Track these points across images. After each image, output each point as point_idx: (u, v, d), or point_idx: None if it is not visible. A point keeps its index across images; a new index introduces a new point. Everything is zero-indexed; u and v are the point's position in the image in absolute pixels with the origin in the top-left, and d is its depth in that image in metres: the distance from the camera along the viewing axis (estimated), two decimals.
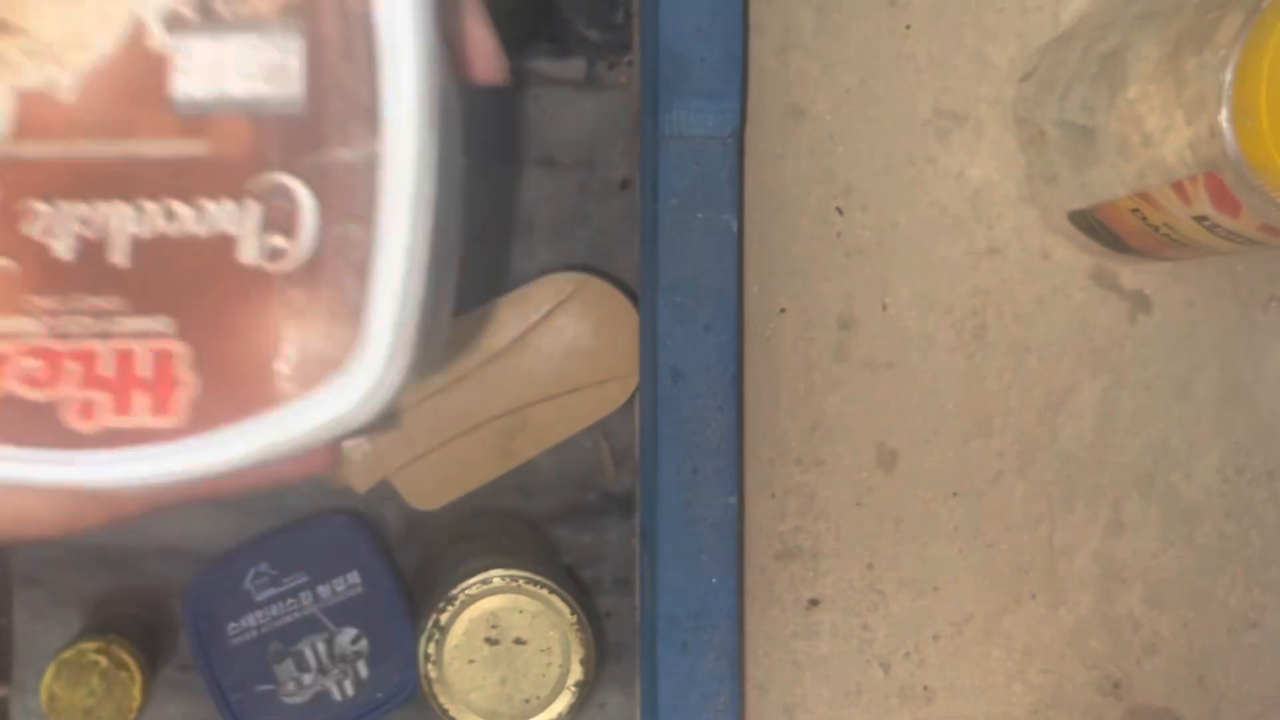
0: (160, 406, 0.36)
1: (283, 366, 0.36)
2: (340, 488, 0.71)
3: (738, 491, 0.64)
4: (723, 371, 0.64)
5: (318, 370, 0.36)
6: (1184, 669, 0.72)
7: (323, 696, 0.68)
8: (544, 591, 0.66)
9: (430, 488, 0.72)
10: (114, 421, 0.36)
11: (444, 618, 0.66)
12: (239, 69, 0.37)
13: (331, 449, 0.39)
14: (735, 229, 0.64)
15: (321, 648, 0.68)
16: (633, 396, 0.71)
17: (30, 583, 0.72)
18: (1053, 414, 0.71)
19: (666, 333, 0.64)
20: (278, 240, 0.36)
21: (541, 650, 0.67)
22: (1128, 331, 0.71)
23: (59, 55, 0.36)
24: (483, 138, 0.73)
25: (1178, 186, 0.58)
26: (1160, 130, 0.58)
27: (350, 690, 0.68)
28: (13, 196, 0.36)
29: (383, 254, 0.36)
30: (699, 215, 0.64)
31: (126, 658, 0.65)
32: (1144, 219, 0.62)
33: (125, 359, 0.36)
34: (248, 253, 0.36)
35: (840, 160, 0.70)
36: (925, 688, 0.71)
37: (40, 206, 0.36)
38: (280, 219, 0.37)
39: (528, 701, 0.67)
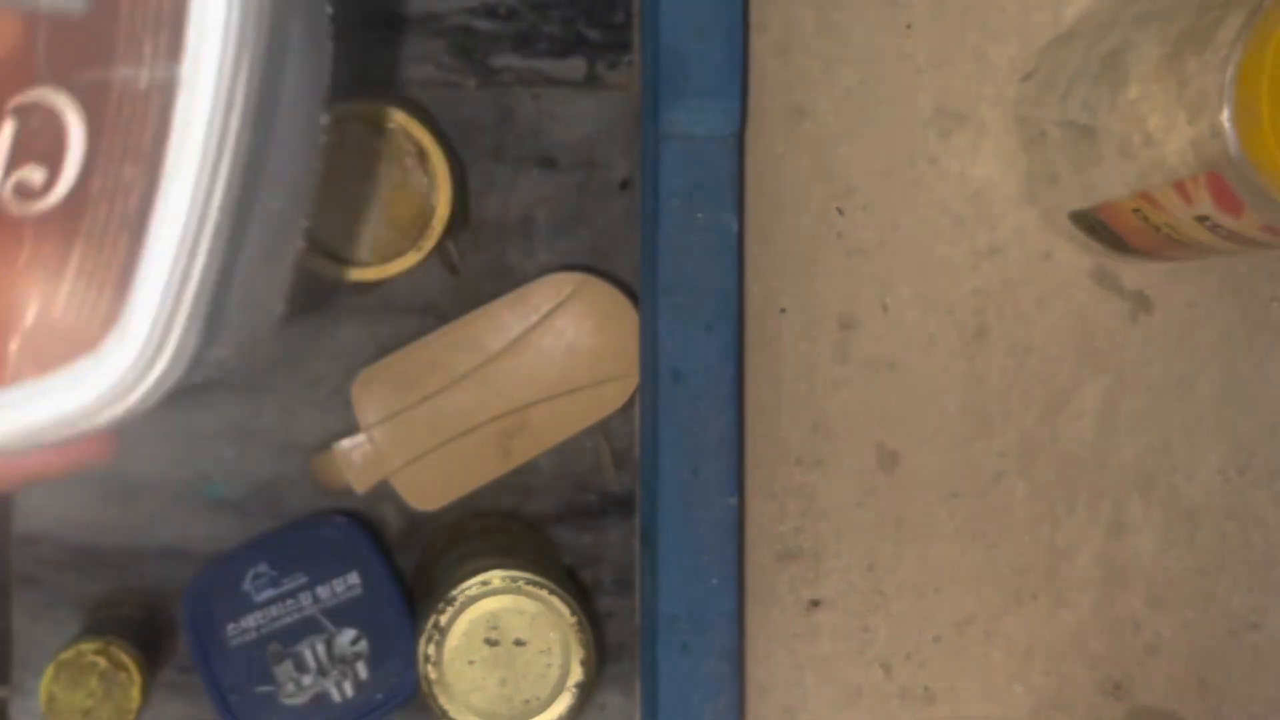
0: None
1: (15, 339, 0.29)
2: (340, 488, 0.71)
3: (738, 492, 0.64)
4: (723, 372, 0.64)
5: (62, 347, 0.29)
6: (1185, 670, 0.72)
7: (322, 698, 0.68)
8: (544, 592, 0.66)
9: (430, 488, 0.71)
10: None
11: (444, 619, 0.66)
12: None
13: (103, 438, 0.31)
14: (736, 229, 0.64)
15: (321, 649, 0.68)
16: (633, 397, 0.71)
17: (29, 584, 0.72)
18: (1054, 414, 0.71)
19: (667, 333, 0.64)
20: (32, 173, 0.29)
21: (541, 651, 0.67)
22: (1129, 332, 0.71)
23: None
24: (482, 138, 0.73)
25: (1179, 186, 0.58)
26: (1162, 130, 0.58)
27: (350, 691, 0.68)
28: None
29: (164, 206, 0.29)
30: (699, 215, 0.64)
31: (125, 659, 0.65)
32: (1145, 219, 0.62)
33: None
34: None
35: (841, 160, 0.70)
36: (926, 689, 0.71)
37: None
38: (39, 146, 0.29)
39: (528, 703, 0.67)
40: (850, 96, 0.70)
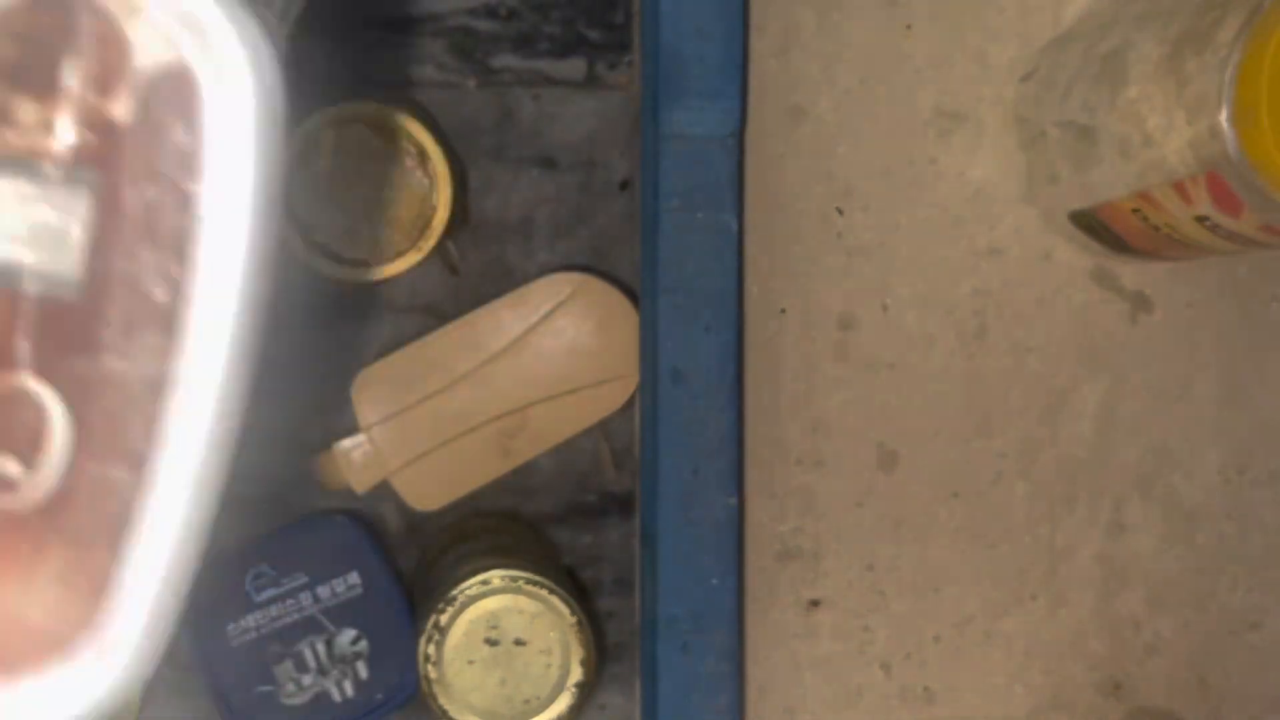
0: None
1: None
2: (340, 488, 0.71)
3: (738, 492, 0.64)
4: (723, 372, 0.64)
5: (32, 649, 0.26)
6: (1185, 670, 0.72)
7: (322, 697, 0.68)
8: (544, 592, 0.66)
9: (430, 488, 0.71)
10: None
11: (444, 618, 0.66)
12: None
13: None
14: (735, 229, 0.64)
15: (321, 649, 0.68)
16: (633, 397, 0.71)
17: None
18: (1053, 415, 0.71)
19: (667, 333, 0.64)
20: (10, 466, 0.26)
21: (541, 651, 0.67)
22: (1129, 332, 0.71)
23: None
24: (482, 138, 0.73)
25: (1179, 186, 0.58)
26: (1161, 130, 0.58)
27: (350, 691, 0.68)
28: None
29: (152, 512, 0.27)
30: (699, 215, 0.64)
31: None
32: (1145, 219, 0.62)
33: None
34: None
35: (841, 160, 0.70)
36: (926, 689, 0.71)
37: None
38: (17, 438, 0.26)
39: (527, 702, 0.67)
40: (850, 97, 0.70)
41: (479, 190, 0.73)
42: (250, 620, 0.68)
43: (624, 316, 0.71)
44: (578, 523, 0.74)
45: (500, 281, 0.73)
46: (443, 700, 0.66)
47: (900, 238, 0.70)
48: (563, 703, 0.67)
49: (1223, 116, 0.54)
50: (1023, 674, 0.71)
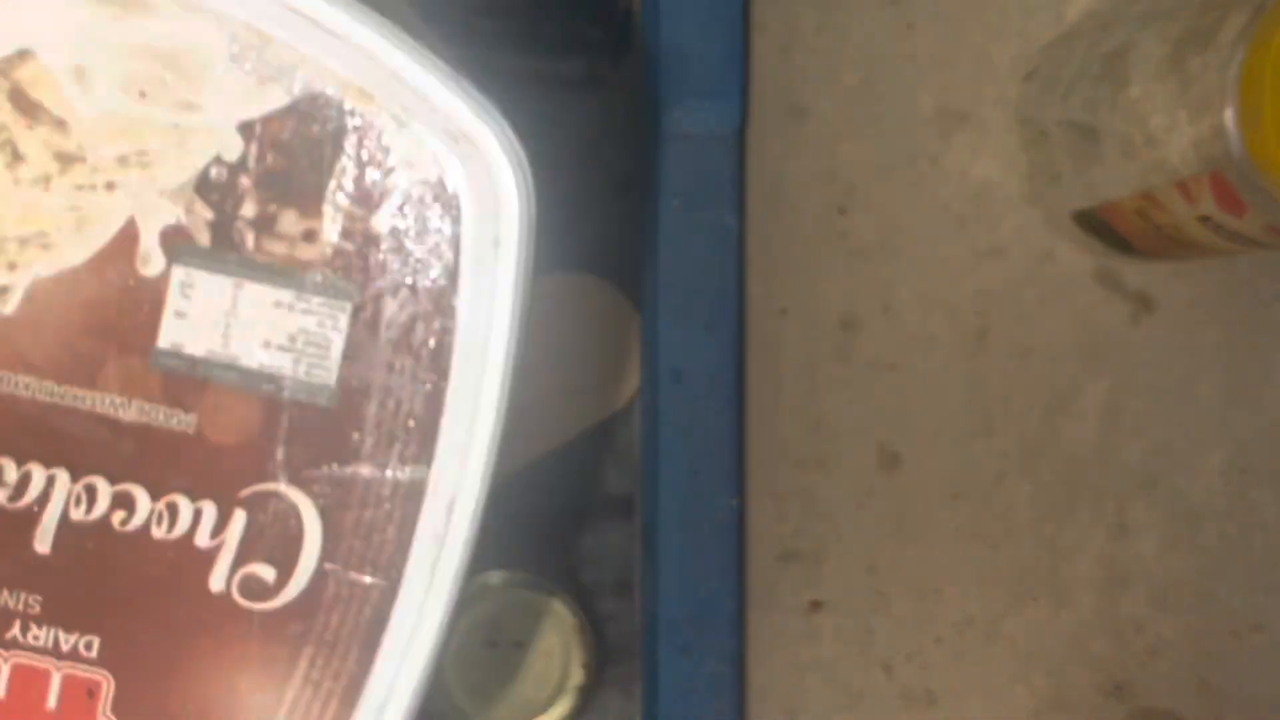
0: None
1: None
2: None
3: (739, 493, 0.64)
4: (724, 373, 0.64)
5: None
6: (1187, 672, 0.71)
7: None
8: (544, 594, 0.66)
9: None
10: None
11: None
12: (258, 328, 0.26)
13: None
14: (736, 229, 0.64)
15: None
16: (633, 398, 0.71)
17: None
18: (1055, 415, 0.71)
19: (667, 333, 0.64)
20: (262, 570, 0.27)
21: (542, 653, 0.67)
22: (1131, 332, 0.71)
23: (9, 250, 0.26)
24: None
25: (1181, 186, 0.58)
26: (1164, 130, 0.58)
27: None
28: None
29: (402, 619, 0.27)
30: (700, 215, 0.64)
31: None
32: (1147, 219, 0.62)
33: (27, 680, 0.26)
34: (218, 578, 0.27)
35: (842, 160, 0.70)
36: (928, 691, 0.71)
37: None
38: (272, 543, 0.27)
39: (528, 704, 0.67)
40: (851, 96, 0.70)
41: None
42: None
43: (624, 317, 0.71)
44: (578, 524, 0.74)
45: None
46: (442, 703, 0.66)
47: (902, 237, 0.71)
48: (563, 705, 0.67)
49: (1226, 116, 0.54)
50: (1025, 675, 0.71)
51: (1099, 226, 0.66)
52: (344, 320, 0.26)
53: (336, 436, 0.26)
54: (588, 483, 0.74)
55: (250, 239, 0.26)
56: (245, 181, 0.26)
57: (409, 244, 0.27)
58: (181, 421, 0.26)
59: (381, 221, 0.27)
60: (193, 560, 0.26)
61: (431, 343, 0.27)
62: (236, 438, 0.26)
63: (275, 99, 0.27)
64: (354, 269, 0.26)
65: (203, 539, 0.26)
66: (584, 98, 0.73)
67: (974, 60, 0.70)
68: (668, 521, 0.64)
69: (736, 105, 0.63)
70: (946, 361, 0.71)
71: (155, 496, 0.26)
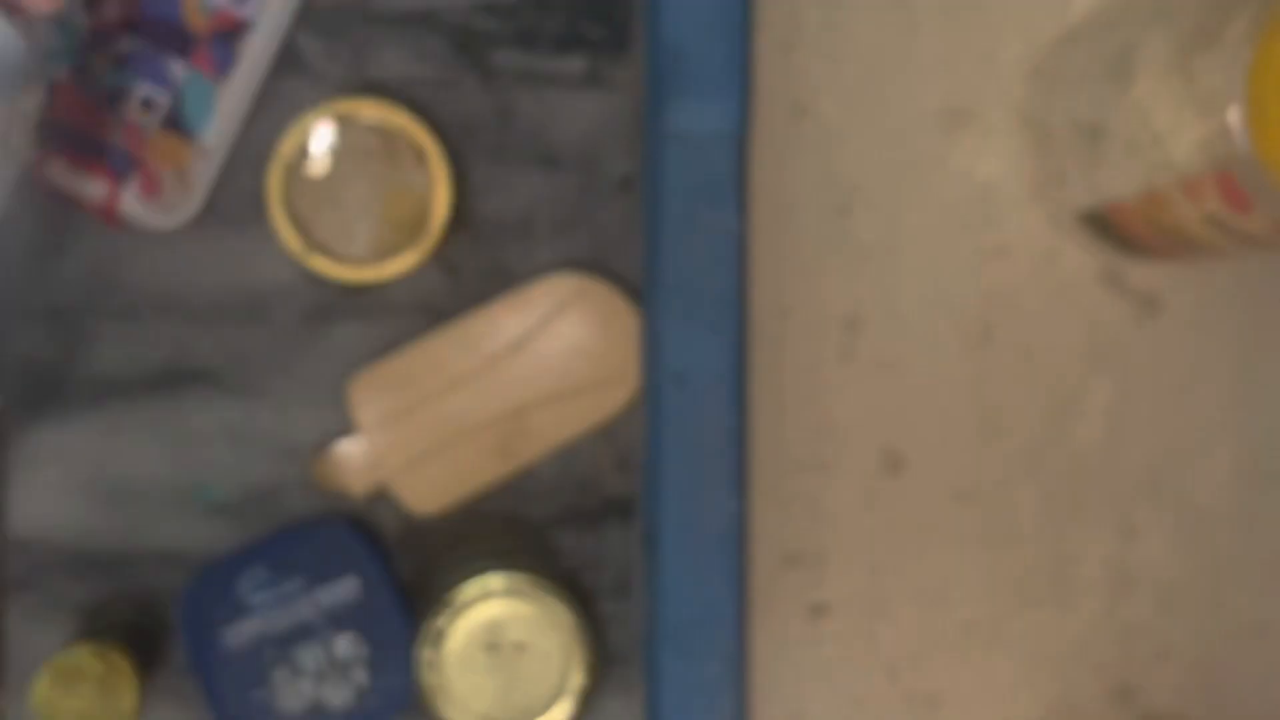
0: None
1: None
2: (337, 491, 0.71)
3: (741, 496, 0.64)
4: (726, 374, 0.64)
5: None
6: (1195, 674, 0.72)
7: (320, 702, 0.68)
8: (544, 596, 0.66)
9: (429, 491, 0.71)
10: None
11: (443, 623, 0.66)
12: None
13: None
14: (738, 229, 0.64)
15: (319, 653, 0.68)
16: (634, 399, 0.71)
17: (23, 587, 0.72)
18: (1061, 417, 0.71)
19: (669, 334, 0.64)
20: None
21: (542, 655, 0.67)
22: (1137, 333, 0.71)
23: None
24: (482, 137, 0.73)
25: (1187, 186, 0.58)
26: (1169, 128, 0.58)
27: (348, 696, 0.68)
28: None
29: None
30: (702, 215, 0.64)
31: (120, 664, 0.65)
32: (1153, 219, 0.62)
33: None
34: None
35: (845, 159, 0.71)
36: (931, 695, 0.71)
37: None
38: None
39: (528, 707, 0.67)
40: (854, 95, 0.70)
41: (479, 190, 0.73)
42: (247, 625, 0.68)
43: (625, 317, 0.71)
44: (578, 526, 0.74)
45: (500, 282, 0.73)
46: (442, 705, 0.66)
47: (906, 237, 0.71)
48: (563, 708, 0.67)
49: (1232, 115, 0.54)
50: (1030, 679, 0.71)
51: (1104, 226, 0.66)
52: None
53: None
54: (588, 485, 0.74)
55: None
56: None
57: None
58: None
59: None
60: None
61: None
62: None
63: None
64: None
65: None
66: (584, 98, 0.73)
67: (978, 59, 0.71)
68: (669, 524, 0.64)
69: (738, 104, 0.63)
70: (950, 363, 0.71)
71: None
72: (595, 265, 0.73)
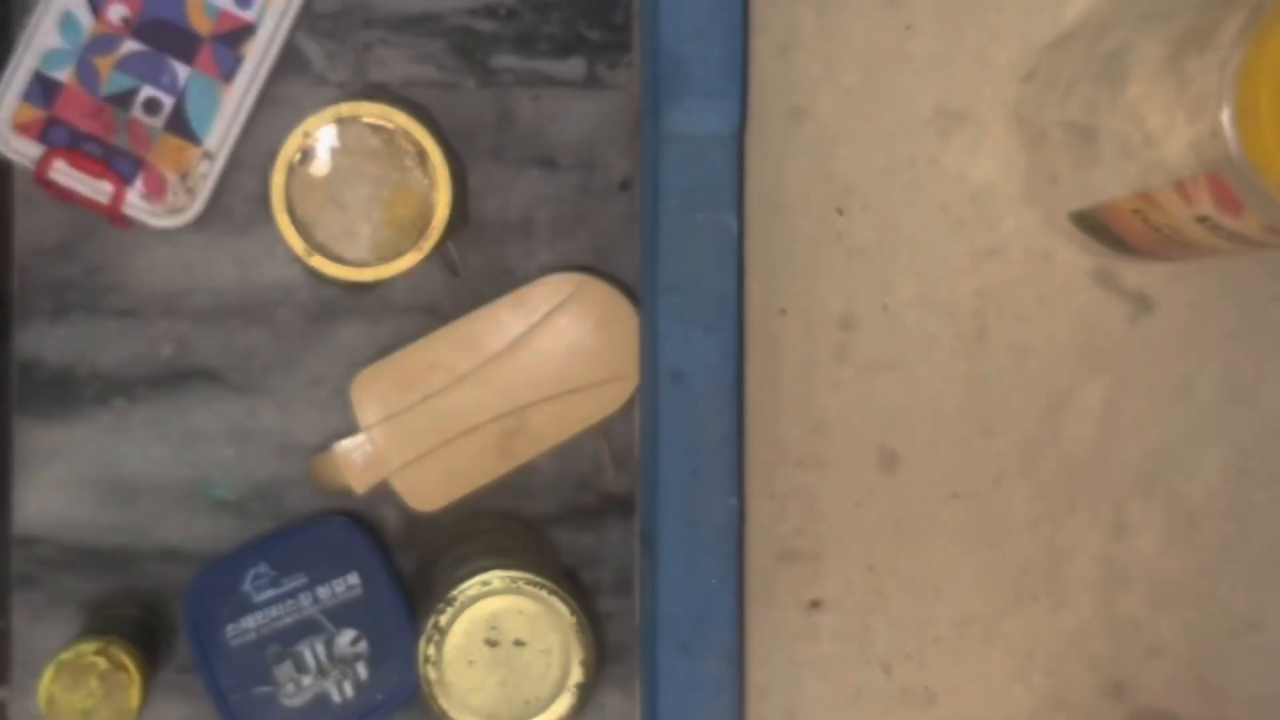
0: None
1: None
2: (339, 489, 0.71)
3: (738, 493, 0.64)
4: (723, 372, 0.64)
5: None
6: (1186, 671, 0.71)
7: (322, 698, 0.68)
8: (544, 593, 0.66)
9: (429, 489, 0.71)
10: None
11: (443, 619, 0.66)
12: None
13: None
14: (735, 229, 0.64)
15: (321, 649, 0.68)
16: (633, 397, 0.71)
17: (29, 584, 0.72)
18: (1054, 415, 0.71)
19: (667, 333, 0.64)
20: None
21: (541, 652, 0.67)
22: (1129, 332, 0.71)
23: None
24: (482, 138, 0.73)
25: (1179, 187, 0.58)
26: (1162, 130, 0.58)
27: (349, 692, 0.68)
28: None
29: None
30: (699, 216, 0.64)
31: (125, 659, 0.65)
32: (1145, 219, 0.62)
33: None
34: None
35: (841, 160, 0.70)
36: (926, 689, 0.71)
37: None
38: None
39: (528, 703, 0.67)
40: (850, 97, 0.70)
41: (479, 190, 0.73)
42: (250, 621, 0.68)
43: (624, 317, 0.71)
44: (578, 523, 0.74)
45: (500, 281, 0.73)
46: (442, 701, 0.66)
47: (901, 238, 0.71)
48: (563, 703, 0.67)
49: (1224, 117, 0.54)
50: (1023, 675, 0.71)
51: (1097, 227, 0.66)
52: None
53: None
54: (588, 483, 0.74)
55: None
56: None
57: None
58: None
59: None
60: None
61: None
62: None
63: None
64: None
65: None
66: (583, 99, 0.73)
67: (973, 61, 0.70)
68: (667, 521, 0.64)
69: (736, 106, 0.64)
70: (945, 361, 0.71)
71: None
72: (594, 265, 0.73)
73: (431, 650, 0.66)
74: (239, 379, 0.73)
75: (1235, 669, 0.72)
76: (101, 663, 0.65)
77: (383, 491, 0.72)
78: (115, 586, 0.73)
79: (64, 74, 0.68)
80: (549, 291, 0.71)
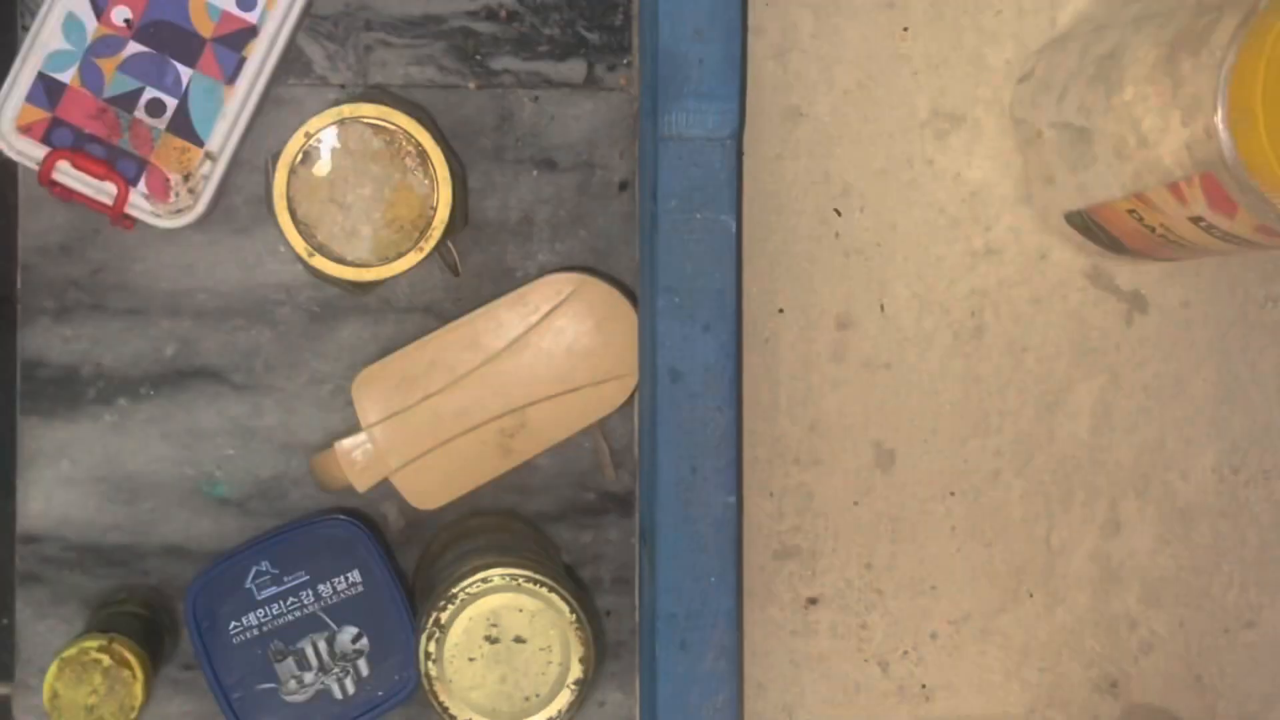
0: None
1: None
2: (341, 487, 0.71)
3: (736, 491, 0.64)
4: (721, 371, 0.64)
5: None
6: (1180, 668, 0.72)
7: (323, 695, 0.68)
8: (544, 590, 0.66)
9: (430, 487, 0.71)
10: None
11: (444, 616, 0.66)
12: None
13: None
14: (734, 230, 0.64)
15: (322, 646, 0.68)
16: (632, 396, 0.71)
17: (32, 581, 0.72)
18: (1050, 414, 0.71)
19: (665, 333, 0.64)
20: None
21: (541, 648, 0.67)
22: (1124, 332, 0.71)
23: None
24: (482, 139, 0.73)
25: (1174, 187, 0.58)
26: (1156, 131, 0.58)
27: (351, 688, 0.68)
28: None
29: None
30: (698, 216, 0.64)
31: (128, 656, 0.65)
32: (1140, 220, 0.62)
33: None
34: None
35: (838, 161, 0.70)
36: (923, 686, 0.72)
37: None
38: None
39: (527, 700, 0.67)
40: (848, 98, 0.70)
41: (479, 191, 0.73)
42: (252, 618, 0.68)
43: (623, 316, 0.71)
44: (577, 521, 0.74)
45: (500, 281, 0.73)
46: (443, 697, 0.66)
47: (897, 238, 0.71)
48: (562, 700, 0.67)
49: (1218, 118, 0.54)
50: (1019, 671, 0.72)
51: (1092, 227, 0.67)
52: None
53: None
54: (587, 481, 0.74)
55: None
56: None
57: None
58: None
59: None
60: None
61: None
62: None
63: None
64: None
65: None
66: (582, 101, 0.73)
67: (969, 63, 0.71)
68: (666, 519, 0.64)
69: (734, 108, 0.64)
70: (941, 360, 0.71)
71: None
72: (594, 265, 0.73)
73: (432, 647, 0.66)
74: (241, 378, 0.73)
75: (1229, 665, 0.72)
76: (105, 659, 0.65)
77: (384, 490, 0.72)
78: (118, 584, 0.73)
79: (67, 75, 0.68)
80: (549, 291, 0.71)
